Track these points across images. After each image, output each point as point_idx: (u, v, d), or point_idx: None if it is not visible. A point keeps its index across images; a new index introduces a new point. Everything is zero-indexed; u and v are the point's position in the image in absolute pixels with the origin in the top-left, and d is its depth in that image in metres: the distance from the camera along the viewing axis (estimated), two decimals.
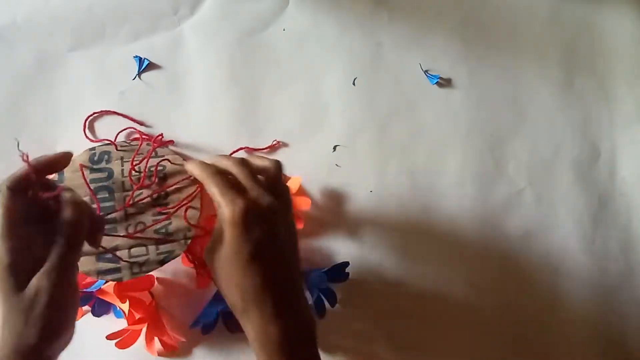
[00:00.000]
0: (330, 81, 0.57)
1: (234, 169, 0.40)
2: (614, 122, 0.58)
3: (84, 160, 0.51)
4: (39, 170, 0.38)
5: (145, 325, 0.49)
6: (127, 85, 0.56)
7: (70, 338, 0.39)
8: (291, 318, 0.38)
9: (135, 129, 0.55)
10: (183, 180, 0.50)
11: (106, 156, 0.52)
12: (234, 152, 0.54)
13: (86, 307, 0.51)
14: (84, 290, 0.50)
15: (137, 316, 0.49)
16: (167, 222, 0.48)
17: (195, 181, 0.49)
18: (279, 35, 0.58)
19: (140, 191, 0.50)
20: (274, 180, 0.41)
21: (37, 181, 0.37)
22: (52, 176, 0.48)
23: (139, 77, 0.56)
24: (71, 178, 0.50)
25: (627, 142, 0.58)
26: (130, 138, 0.55)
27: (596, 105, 0.58)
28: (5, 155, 0.55)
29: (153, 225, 0.48)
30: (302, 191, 0.54)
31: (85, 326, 0.52)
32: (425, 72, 0.58)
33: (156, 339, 0.51)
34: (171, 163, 0.51)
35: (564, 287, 0.55)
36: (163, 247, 0.48)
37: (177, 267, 0.53)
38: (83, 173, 0.50)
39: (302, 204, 0.53)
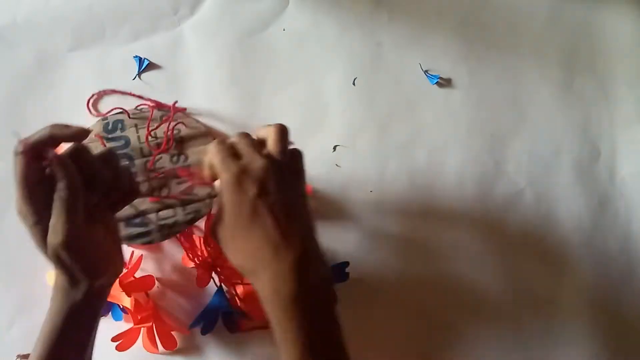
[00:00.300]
0: (330, 81, 0.57)
1: (234, 140, 0.41)
2: (614, 122, 0.58)
3: (98, 130, 0.52)
4: (55, 138, 0.39)
5: (148, 324, 0.49)
6: (127, 85, 0.56)
7: (117, 270, 0.43)
8: (303, 274, 0.37)
9: (145, 102, 0.55)
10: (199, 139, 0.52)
11: (120, 124, 0.53)
12: None
13: None
14: None
15: (138, 317, 0.50)
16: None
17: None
18: (279, 35, 0.58)
19: (160, 155, 0.51)
20: (275, 143, 0.41)
21: (51, 147, 0.39)
22: None
23: (139, 77, 0.56)
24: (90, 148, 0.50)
25: (627, 142, 0.58)
26: (138, 106, 0.55)
27: (596, 105, 0.58)
28: (5, 155, 0.55)
29: (176, 184, 0.50)
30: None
31: None
32: (425, 72, 0.58)
33: (157, 338, 0.51)
34: (186, 126, 0.53)
35: (564, 287, 0.55)
36: (190, 208, 0.50)
37: (177, 267, 0.53)
38: (103, 141, 0.51)
39: None
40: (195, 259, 0.50)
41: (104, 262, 0.41)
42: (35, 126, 0.55)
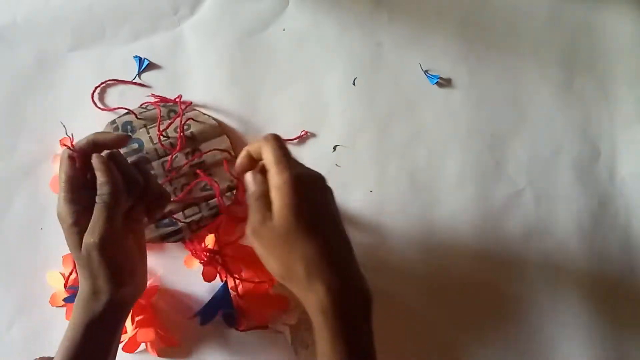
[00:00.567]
0: (330, 81, 0.57)
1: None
2: (614, 122, 0.58)
3: None
4: (98, 145, 0.42)
5: (149, 327, 0.50)
6: (127, 85, 0.56)
7: (140, 285, 0.44)
8: (357, 288, 0.37)
9: (153, 96, 0.55)
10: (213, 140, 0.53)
11: (129, 126, 0.53)
12: None
13: None
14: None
15: (136, 318, 0.50)
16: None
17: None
18: (279, 35, 0.58)
19: (176, 155, 0.52)
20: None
21: (93, 152, 0.42)
22: None
23: (139, 77, 0.56)
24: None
25: (627, 142, 0.58)
26: (142, 104, 0.55)
27: (596, 105, 0.58)
28: (5, 155, 0.55)
29: (195, 184, 0.52)
30: None
31: None
32: (425, 72, 0.58)
33: (157, 338, 0.51)
34: (195, 121, 0.53)
35: (564, 286, 0.55)
36: (212, 202, 0.52)
37: (178, 269, 0.53)
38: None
39: None
40: (202, 257, 0.50)
41: (129, 273, 0.42)
42: (35, 126, 0.56)
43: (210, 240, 0.50)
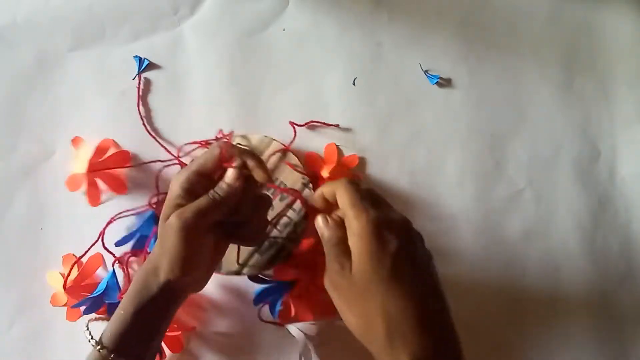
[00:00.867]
0: (330, 81, 0.57)
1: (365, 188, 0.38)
2: (614, 122, 0.58)
3: None
4: (244, 164, 0.41)
5: None
6: (127, 85, 0.56)
7: (202, 280, 0.44)
8: (449, 356, 0.33)
9: (193, 143, 0.55)
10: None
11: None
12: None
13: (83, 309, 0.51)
14: (91, 295, 0.50)
15: None
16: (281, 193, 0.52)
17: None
18: (279, 35, 0.58)
19: None
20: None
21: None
22: None
23: (139, 77, 0.56)
24: None
25: (627, 142, 0.58)
26: (187, 151, 0.55)
27: (596, 105, 0.58)
28: (5, 155, 0.55)
29: (275, 197, 0.52)
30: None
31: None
32: (425, 72, 0.58)
33: (163, 342, 0.51)
34: (242, 145, 0.53)
35: (564, 286, 0.55)
36: (296, 206, 0.52)
37: None
38: None
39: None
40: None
41: (194, 266, 0.41)
42: (35, 126, 0.56)
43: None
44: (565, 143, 0.58)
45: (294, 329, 0.51)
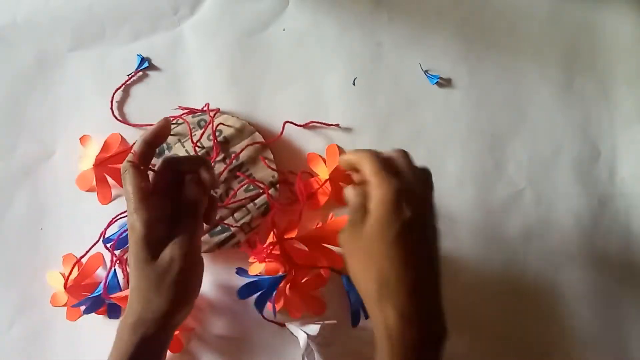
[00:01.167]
0: (330, 81, 0.57)
1: (393, 155, 0.39)
2: (614, 122, 0.58)
3: None
4: (150, 144, 0.40)
5: None
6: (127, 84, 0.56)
7: (190, 309, 0.43)
8: (431, 322, 0.35)
9: (180, 108, 0.55)
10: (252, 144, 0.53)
11: (165, 145, 0.53)
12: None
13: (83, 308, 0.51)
14: (91, 295, 0.50)
15: None
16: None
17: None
18: (279, 35, 0.58)
19: (213, 163, 0.52)
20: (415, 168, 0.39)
21: (151, 156, 0.41)
22: None
23: (135, 75, 0.56)
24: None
25: (627, 142, 0.58)
26: (172, 119, 0.54)
27: (596, 105, 0.58)
28: (5, 155, 0.55)
29: (241, 187, 0.52)
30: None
31: (86, 329, 0.53)
32: (425, 72, 0.58)
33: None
34: (225, 125, 0.53)
35: (564, 286, 0.55)
36: (259, 201, 0.52)
37: None
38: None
39: None
40: (263, 255, 0.50)
41: (192, 294, 0.41)
42: (35, 126, 0.56)
43: (270, 239, 0.51)
44: (565, 143, 0.58)
45: (295, 329, 0.51)
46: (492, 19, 0.59)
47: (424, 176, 0.39)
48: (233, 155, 0.52)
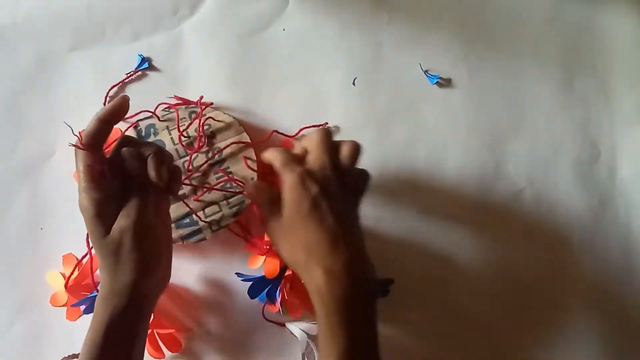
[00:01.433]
0: (330, 81, 0.57)
1: (309, 139, 0.43)
2: (614, 122, 0.58)
3: None
4: (106, 121, 0.40)
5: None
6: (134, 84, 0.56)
7: (165, 277, 0.44)
8: (359, 275, 0.39)
9: (176, 97, 0.55)
10: (234, 142, 0.53)
11: (152, 129, 0.53)
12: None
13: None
14: (91, 295, 0.50)
15: None
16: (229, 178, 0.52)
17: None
18: (279, 35, 0.58)
19: (196, 154, 0.52)
20: (348, 155, 0.42)
21: (106, 133, 0.41)
22: None
23: (134, 73, 0.56)
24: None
25: (627, 142, 0.58)
26: (163, 105, 0.55)
27: (596, 105, 0.58)
28: (5, 155, 0.55)
29: (218, 183, 0.52)
30: None
31: (86, 329, 0.53)
32: (425, 72, 0.58)
33: (160, 343, 0.51)
34: (215, 120, 0.53)
35: (564, 286, 0.55)
36: (233, 200, 0.52)
37: (179, 271, 0.53)
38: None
39: None
40: (264, 249, 0.51)
41: (156, 261, 0.42)
42: (35, 126, 0.56)
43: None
44: (565, 143, 0.58)
45: (295, 329, 0.51)
46: (492, 19, 0.59)
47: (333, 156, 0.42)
48: (217, 150, 0.52)
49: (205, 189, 0.52)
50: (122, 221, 0.40)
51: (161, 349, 0.51)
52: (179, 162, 0.52)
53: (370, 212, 0.55)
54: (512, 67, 0.58)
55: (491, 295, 0.54)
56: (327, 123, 0.56)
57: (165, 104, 0.54)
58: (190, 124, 0.53)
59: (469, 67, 0.58)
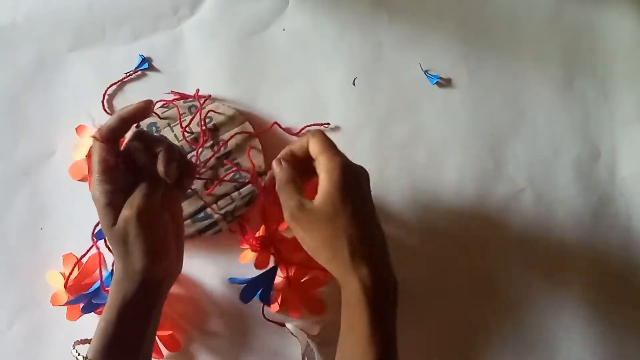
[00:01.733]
0: (330, 81, 0.57)
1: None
2: (614, 122, 0.58)
3: None
4: (126, 120, 0.41)
5: None
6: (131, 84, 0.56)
7: (176, 267, 0.45)
8: (389, 275, 0.39)
9: (173, 93, 0.55)
10: (238, 133, 0.53)
11: (154, 127, 0.53)
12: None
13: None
14: (86, 292, 0.50)
15: None
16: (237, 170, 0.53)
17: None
18: (279, 35, 0.58)
19: (201, 149, 0.52)
20: None
21: (124, 131, 0.42)
22: None
23: (134, 73, 0.56)
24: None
25: (627, 142, 0.58)
26: (160, 102, 0.54)
27: (596, 105, 0.58)
28: (5, 155, 0.55)
29: (227, 175, 0.52)
30: None
31: (86, 329, 0.53)
32: (425, 72, 0.58)
33: (159, 341, 0.51)
34: (216, 113, 0.53)
35: (564, 287, 0.55)
36: (244, 190, 0.52)
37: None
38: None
39: None
40: (254, 245, 0.50)
41: (164, 248, 0.42)
42: (35, 126, 0.56)
43: (261, 230, 0.51)
44: (565, 143, 0.58)
45: (296, 329, 0.51)
46: (492, 19, 0.59)
47: None
48: (221, 142, 0.52)
49: (215, 183, 0.52)
50: (125, 211, 0.40)
51: (160, 349, 0.51)
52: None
53: None
54: (512, 67, 0.58)
55: (491, 295, 0.54)
56: (329, 124, 0.56)
57: (163, 100, 0.54)
58: (192, 119, 0.53)
59: (469, 67, 0.58)
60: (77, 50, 0.57)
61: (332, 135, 0.55)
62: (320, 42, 0.58)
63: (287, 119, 0.56)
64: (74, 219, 0.54)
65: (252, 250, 0.51)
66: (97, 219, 0.51)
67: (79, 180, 0.55)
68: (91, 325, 0.51)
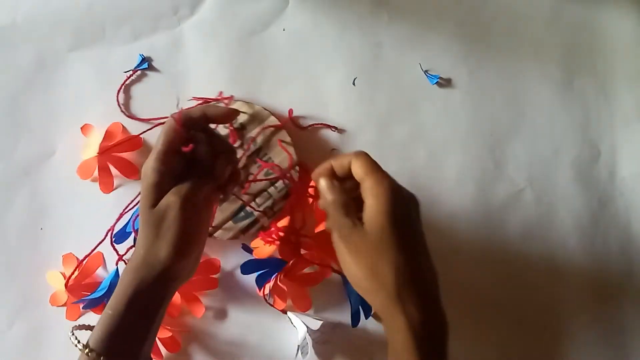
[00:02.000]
0: (330, 81, 0.57)
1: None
2: (614, 122, 0.58)
3: None
4: (208, 118, 0.42)
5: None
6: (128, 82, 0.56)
7: (192, 267, 0.44)
8: (441, 314, 0.36)
9: (195, 98, 0.55)
10: (265, 128, 0.54)
11: None
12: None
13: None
14: (93, 295, 0.50)
15: None
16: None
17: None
18: (279, 35, 0.58)
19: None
20: None
21: (200, 125, 0.42)
22: None
23: (134, 73, 0.56)
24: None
25: (627, 142, 0.58)
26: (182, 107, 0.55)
27: (596, 105, 0.58)
28: (5, 155, 0.55)
29: (260, 171, 0.53)
30: None
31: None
32: (425, 72, 0.58)
33: (159, 342, 0.51)
34: (240, 112, 0.53)
35: (564, 286, 0.55)
36: (279, 184, 0.53)
37: None
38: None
39: None
40: (274, 239, 0.50)
41: (194, 245, 0.42)
42: (35, 126, 0.56)
43: (284, 222, 0.51)
44: (565, 143, 0.58)
45: (297, 319, 0.50)
46: (492, 19, 0.59)
47: None
48: (250, 139, 0.53)
49: (250, 180, 0.52)
50: (172, 196, 0.40)
51: (159, 351, 0.51)
52: None
53: None
54: (512, 67, 0.58)
55: (489, 294, 0.54)
56: (336, 127, 0.56)
57: (185, 108, 0.54)
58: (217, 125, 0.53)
59: (469, 67, 0.58)
60: (77, 50, 0.57)
61: (332, 135, 0.56)
62: (320, 42, 0.58)
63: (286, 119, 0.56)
64: (74, 219, 0.54)
65: (266, 243, 0.50)
66: (104, 224, 0.52)
67: (90, 181, 0.54)
68: (91, 324, 0.51)
